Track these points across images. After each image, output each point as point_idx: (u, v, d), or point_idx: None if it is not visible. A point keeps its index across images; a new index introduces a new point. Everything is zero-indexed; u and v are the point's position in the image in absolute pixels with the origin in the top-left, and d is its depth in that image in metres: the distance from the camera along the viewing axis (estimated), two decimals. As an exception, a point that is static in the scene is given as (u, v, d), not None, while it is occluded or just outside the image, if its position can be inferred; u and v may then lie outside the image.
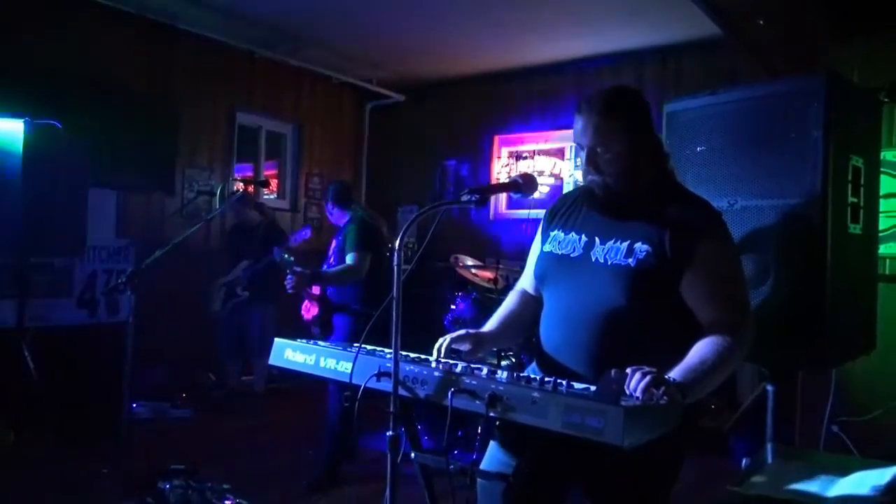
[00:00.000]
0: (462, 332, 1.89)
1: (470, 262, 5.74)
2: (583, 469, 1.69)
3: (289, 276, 3.68)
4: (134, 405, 4.65)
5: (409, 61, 6.45)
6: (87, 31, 5.11)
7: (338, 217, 4.10)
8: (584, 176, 1.81)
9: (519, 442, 1.72)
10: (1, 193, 4.08)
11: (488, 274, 5.54)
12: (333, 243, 4.09)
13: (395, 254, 1.63)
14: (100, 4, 4.86)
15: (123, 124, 5.19)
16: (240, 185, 6.00)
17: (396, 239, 1.63)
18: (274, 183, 7.09)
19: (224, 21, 5.36)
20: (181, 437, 4.59)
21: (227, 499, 3.38)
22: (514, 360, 4.78)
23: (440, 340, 1.82)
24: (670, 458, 1.73)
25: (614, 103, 1.76)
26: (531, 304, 2.01)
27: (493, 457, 1.81)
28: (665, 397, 1.44)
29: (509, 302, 2.05)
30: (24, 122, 4.09)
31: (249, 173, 6.77)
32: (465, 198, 1.76)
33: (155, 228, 5.50)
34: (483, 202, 1.76)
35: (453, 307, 5.17)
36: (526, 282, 2.06)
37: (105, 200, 5.27)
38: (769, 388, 2.36)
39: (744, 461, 2.31)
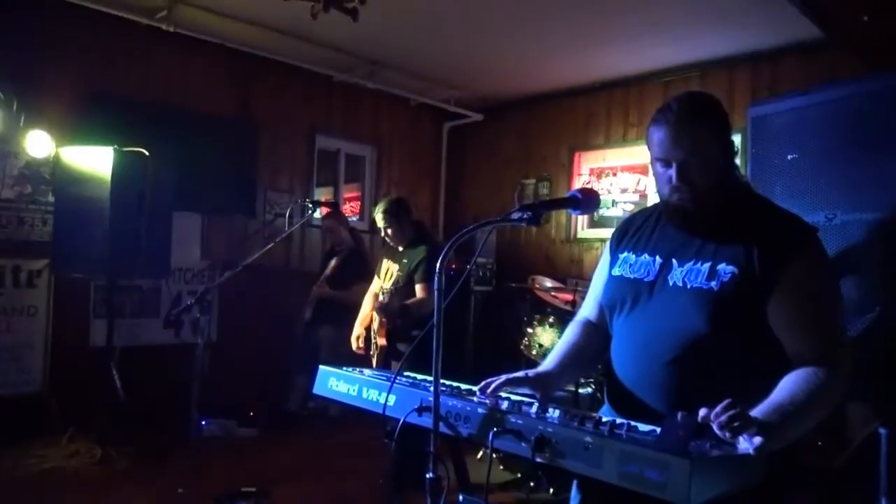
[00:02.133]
0: (520, 374, 1.67)
1: (549, 283, 5.53)
2: None
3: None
4: (202, 422, 4.72)
5: (486, 80, 6.36)
6: (170, 60, 5.35)
7: (401, 237, 3.82)
8: (671, 193, 1.57)
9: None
10: (92, 218, 4.28)
11: (567, 296, 5.30)
12: (392, 266, 3.86)
13: (436, 277, 1.49)
14: (182, 35, 5.06)
15: (206, 149, 5.38)
16: (324, 210, 6.08)
17: (437, 261, 1.50)
18: (356, 205, 7.16)
19: (302, 47, 5.46)
20: (251, 456, 4.61)
21: (294, 525, 3.34)
22: (594, 387, 4.52)
23: (492, 381, 1.63)
24: None
25: (701, 109, 1.56)
26: (595, 336, 1.81)
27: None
28: (754, 442, 1.21)
29: (570, 334, 1.84)
30: (114, 150, 4.28)
31: (329, 196, 6.86)
32: (515, 215, 1.60)
33: (238, 250, 5.63)
34: (536, 220, 1.60)
35: (530, 330, 4.98)
36: (588, 310, 1.87)
37: (190, 224, 5.49)
38: (882, 431, 2.04)
39: (853, 516, 2.00)
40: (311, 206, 4.17)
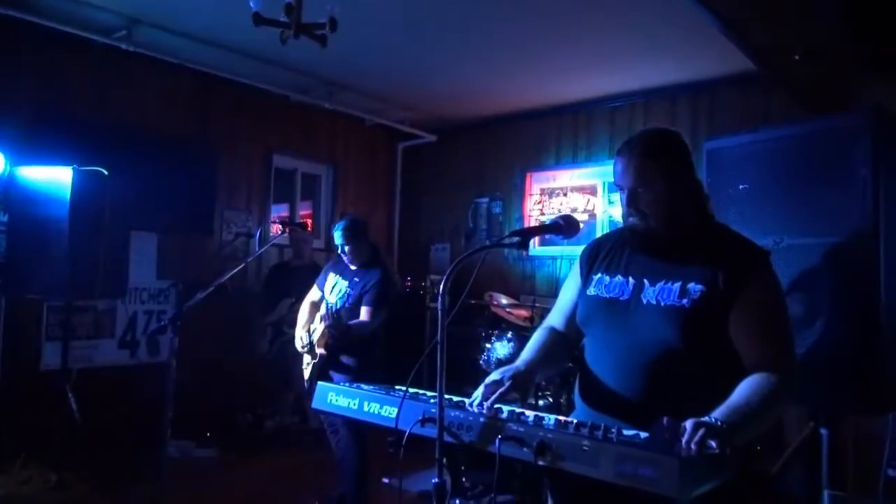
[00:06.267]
0: (502, 384, 1.76)
1: (504, 300, 5.71)
2: None
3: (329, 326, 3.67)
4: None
5: (440, 103, 6.54)
6: (128, 79, 5.31)
7: (357, 256, 3.87)
8: (625, 218, 1.82)
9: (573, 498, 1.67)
10: (50, 239, 4.21)
11: (524, 312, 5.50)
12: (341, 282, 3.89)
13: (439, 298, 1.63)
14: (141, 55, 5.04)
15: (164, 169, 5.34)
16: (278, 227, 6.12)
17: (440, 285, 1.64)
18: (309, 223, 7.20)
19: (260, 67, 5.51)
20: (215, 477, 4.58)
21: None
22: (551, 400, 4.70)
23: (485, 392, 1.76)
24: None
25: (655, 144, 1.79)
26: (561, 342, 1.99)
27: None
28: (716, 447, 1.39)
29: (539, 336, 2.00)
30: (73, 170, 4.23)
31: (285, 213, 6.89)
32: (507, 240, 1.78)
33: (194, 270, 5.60)
34: (525, 244, 1.79)
35: (488, 346, 5.14)
36: (556, 320, 2.03)
37: (146, 243, 5.42)
38: (823, 431, 2.28)
39: (799, 509, 2.23)
40: (291, 226, 4.27)
